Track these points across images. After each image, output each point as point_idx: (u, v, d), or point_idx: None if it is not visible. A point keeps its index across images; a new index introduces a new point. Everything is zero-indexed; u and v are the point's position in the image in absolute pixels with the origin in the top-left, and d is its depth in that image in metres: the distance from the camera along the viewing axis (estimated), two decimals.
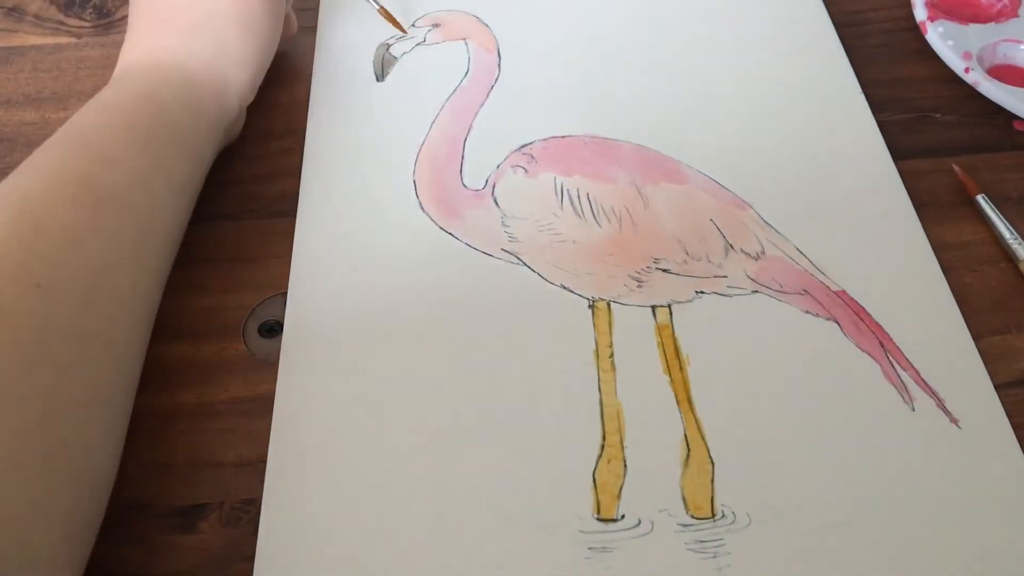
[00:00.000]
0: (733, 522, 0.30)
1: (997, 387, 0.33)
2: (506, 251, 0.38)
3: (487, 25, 0.47)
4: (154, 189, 0.35)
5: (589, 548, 0.30)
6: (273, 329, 0.36)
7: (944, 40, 0.44)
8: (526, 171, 0.40)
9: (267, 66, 0.42)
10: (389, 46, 0.46)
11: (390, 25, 0.46)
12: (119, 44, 0.40)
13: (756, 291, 0.36)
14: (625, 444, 0.32)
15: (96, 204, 0.32)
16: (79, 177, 0.32)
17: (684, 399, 0.33)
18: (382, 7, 0.46)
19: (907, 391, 0.33)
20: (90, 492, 0.29)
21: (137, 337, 0.33)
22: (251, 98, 0.42)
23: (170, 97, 0.37)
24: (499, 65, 0.45)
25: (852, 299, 0.36)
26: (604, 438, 0.32)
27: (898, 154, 0.41)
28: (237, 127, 0.42)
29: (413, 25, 0.47)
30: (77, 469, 0.28)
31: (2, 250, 0.29)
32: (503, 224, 0.38)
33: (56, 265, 0.30)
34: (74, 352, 0.29)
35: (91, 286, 0.31)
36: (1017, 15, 0.45)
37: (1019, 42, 0.44)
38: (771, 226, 0.38)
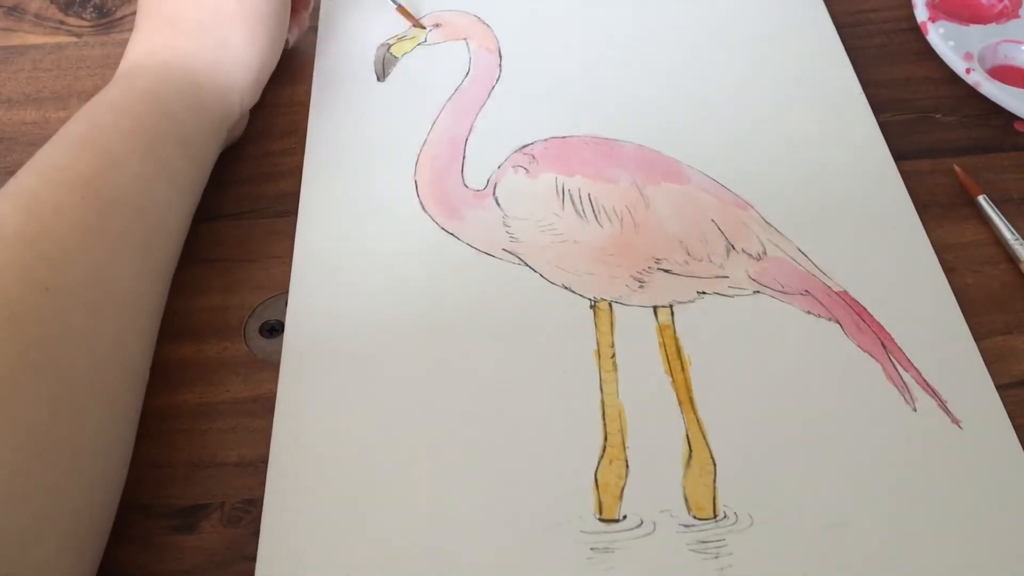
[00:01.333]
0: (735, 522, 0.30)
1: (998, 388, 0.33)
2: (507, 251, 0.38)
3: (488, 25, 0.47)
4: (158, 190, 0.35)
5: (591, 549, 0.30)
6: (274, 329, 0.36)
7: (945, 41, 0.44)
8: (527, 171, 0.40)
9: (272, 69, 0.42)
10: (390, 46, 0.46)
11: (400, 21, 0.46)
12: (120, 44, 0.40)
13: (758, 291, 0.36)
14: (627, 444, 0.32)
15: (103, 206, 0.32)
16: (87, 179, 0.32)
17: (686, 399, 0.33)
18: (400, 5, 0.46)
19: (909, 392, 0.33)
20: (99, 496, 0.29)
21: (144, 339, 0.33)
22: (255, 100, 0.42)
23: (174, 97, 0.37)
24: (500, 65, 0.45)
25: (854, 300, 0.36)
26: (606, 438, 0.32)
27: (899, 155, 0.41)
28: (239, 129, 0.42)
29: (413, 26, 0.47)
30: (86, 473, 0.28)
31: (11, 253, 0.29)
32: (504, 224, 0.38)
33: (64, 268, 0.30)
34: (82, 355, 0.29)
35: (98, 289, 0.30)
36: (1018, 16, 0.45)
37: (1020, 43, 0.44)
38: (772, 226, 0.38)
